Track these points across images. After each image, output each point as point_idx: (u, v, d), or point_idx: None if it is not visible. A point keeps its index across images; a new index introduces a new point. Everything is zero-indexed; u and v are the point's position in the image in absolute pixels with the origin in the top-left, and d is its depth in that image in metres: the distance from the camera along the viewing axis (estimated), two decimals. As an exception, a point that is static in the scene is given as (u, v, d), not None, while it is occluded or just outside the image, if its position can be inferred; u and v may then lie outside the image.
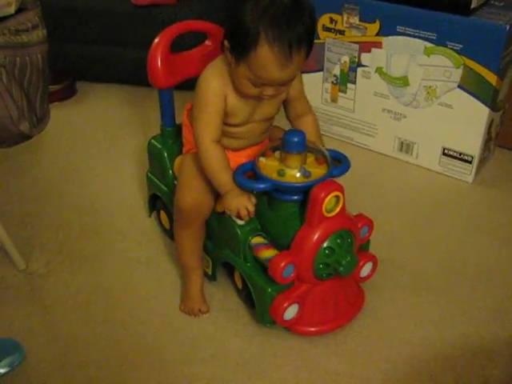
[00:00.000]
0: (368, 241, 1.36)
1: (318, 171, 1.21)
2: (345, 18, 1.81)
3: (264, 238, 1.27)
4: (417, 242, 1.60)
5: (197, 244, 1.36)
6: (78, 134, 2.11)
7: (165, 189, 1.49)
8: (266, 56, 1.09)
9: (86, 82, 2.41)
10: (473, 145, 1.77)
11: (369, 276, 1.36)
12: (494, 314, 1.38)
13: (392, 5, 1.72)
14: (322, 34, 1.88)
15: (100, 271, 1.51)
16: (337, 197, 1.19)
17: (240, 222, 1.27)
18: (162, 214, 1.57)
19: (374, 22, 1.77)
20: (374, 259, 1.35)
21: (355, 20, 1.80)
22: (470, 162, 1.80)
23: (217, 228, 1.35)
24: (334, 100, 1.98)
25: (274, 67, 1.10)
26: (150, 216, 1.64)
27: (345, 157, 1.29)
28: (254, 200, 1.23)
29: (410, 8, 1.70)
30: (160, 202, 1.55)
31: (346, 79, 1.91)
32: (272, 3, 1.08)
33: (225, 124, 1.26)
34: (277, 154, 1.25)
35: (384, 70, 1.82)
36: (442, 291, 1.44)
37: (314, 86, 1.99)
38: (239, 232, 1.27)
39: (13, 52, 1.25)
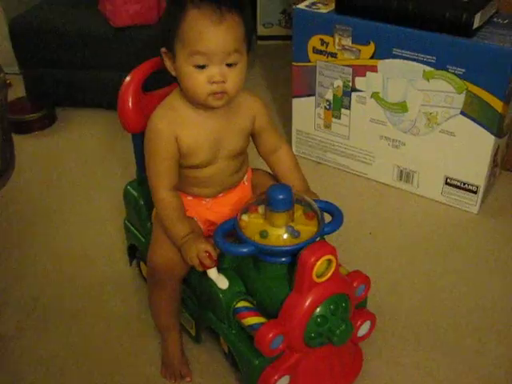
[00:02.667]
0: (365, 298, 1.24)
1: (307, 229, 1.09)
2: (336, 40, 1.68)
3: (249, 301, 1.15)
4: (420, 287, 1.47)
5: (172, 305, 1.24)
6: (55, 168, 1.98)
7: (143, 240, 1.36)
8: (195, 19, 1.01)
9: (67, 108, 2.28)
10: (477, 174, 1.64)
11: (367, 335, 1.23)
12: (509, 374, 1.25)
13: (387, 26, 1.59)
14: (312, 56, 1.75)
15: (76, 330, 1.38)
16: (329, 260, 1.06)
17: (222, 287, 1.14)
18: (142, 264, 1.44)
19: (368, 44, 1.63)
20: (372, 317, 1.22)
21: (348, 42, 1.66)
22: (475, 193, 1.67)
23: (198, 288, 1.23)
24: (327, 126, 1.85)
25: (205, 27, 1.01)
26: (130, 265, 1.52)
27: (337, 209, 1.16)
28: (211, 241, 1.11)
29: (407, 29, 1.57)
30: (139, 252, 1.43)
31: (339, 104, 1.78)
32: None
33: (187, 168, 1.15)
34: (261, 208, 1.12)
35: (380, 95, 1.68)
36: (449, 346, 1.32)
37: (305, 111, 1.86)
38: (221, 296, 1.14)
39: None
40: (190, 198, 1.21)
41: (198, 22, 1.01)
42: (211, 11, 1.00)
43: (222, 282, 1.15)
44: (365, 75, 1.68)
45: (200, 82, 1.05)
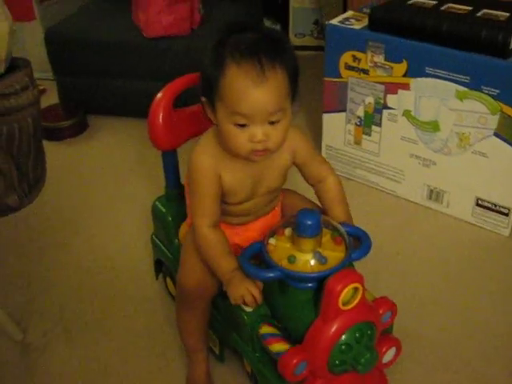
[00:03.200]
0: (392, 324, 1.22)
1: (334, 255, 1.07)
2: (369, 57, 1.67)
3: (274, 325, 1.14)
4: (448, 311, 1.45)
5: (200, 326, 1.23)
6: (85, 176, 2.01)
7: (170, 256, 1.37)
8: (235, 76, 0.95)
9: (98, 116, 2.31)
10: (509, 196, 1.61)
11: (392, 361, 1.21)
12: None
13: (421, 44, 1.57)
14: (344, 72, 1.74)
15: (100, 343, 1.39)
16: (355, 288, 1.05)
17: (248, 309, 1.14)
18: (169, 280, 1.45)
19: (401, 61, 1.61)
20: (397, 344, 1.20)
21: (380, 59, 1.65)
22: (507, 215, 1.63)
23: (223, 309, 1.23)
24: (357, 142, 1.83)
25: (246, 88, 0.95)
26: (156, 279, 1.52)
27: (365, 234, 1.14)
28: (260, 285, 1.09)
29: (441, 48, 1.54)
30: (166, 267, 1.43)
31: (370, 121, 1.76)
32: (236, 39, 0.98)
33: (224, 203, 1.13)
34: (288, 231, 1.11)
35: (412, 113, 1.66)
36: (478, 373, 1.29)
37: (336, 126, 1.85)
38: (246, 319, 1.14)
39: (-1, 121, 1.15)
40: (222, 224, 1.18)
41: (238, 81, 0.95)
42: (252, 68, 0.95)
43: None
44: (397, 93, 1.66)
45: (241, 141, 1.01)
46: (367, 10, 1.71)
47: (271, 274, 1.06)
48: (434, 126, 1.64)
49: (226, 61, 0.96)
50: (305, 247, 1.08)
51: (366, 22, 1.68)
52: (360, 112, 1.77)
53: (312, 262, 1.06)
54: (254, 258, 1.11)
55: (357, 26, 1.69)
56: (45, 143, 2.21)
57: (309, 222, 1.06)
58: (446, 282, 1.54)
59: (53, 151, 2.15)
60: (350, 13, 1.77)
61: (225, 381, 1.30)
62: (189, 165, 1.10)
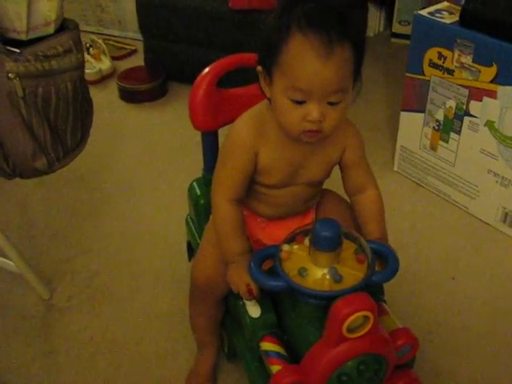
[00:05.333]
0: (413, 358, 1.09)
1: (352, 274, 0.96)
2: (456, 56, 1.49)
3: (278, 337, 1.06)
4: (497, 353, 1.29)
5: (210, 321, 1.18)
6: (150, 143, 2.00)
7: (198, 241, 1.31)
8: (300, 45, 0.86)
9: (180, 84, 2.28)
10: None
11: (408, 399, 1.10)
12: None
13: (516, 48, 1.38)
14: (427, 69, 1.57)
15: (120, 318, 1.38)
16: (365, 316, 0.94)
17: (254, 315, 1.06)
18: (197, 264, 1.40)
19: (491, 65, 1.43)
20: (415, 381, 1.08)
21: (468, 60, 1.47)
22: None
23: (232, 308, 1.16)
24: (433, 148, 1.66)
25: (310, 62, 0.85)
26: (189, 261, 1.47)
27: (393, 255, 1.01)
28: None
29: (539, 55, 1.35)
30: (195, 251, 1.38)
31: (449, 127, 1.59)
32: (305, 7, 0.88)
33: (257, 183, 1.04)
34: (307, 239, 1.01)
35: (496, 125, 1.47)
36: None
37: (412, 127, 1.69)
38: (250, 324, 1.06)
39: (34, 82, 1.13)
40: (245, 212, 1.10)
41: (302, 52, 0.86)
42: (319, 40, 0.85)
43: (254, 310, 1.06)
44: (481, 100, 1.48)
45: (294, 118, 0.91)
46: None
47: (275, 283, 0.97)
48: (518, 143, 1.45)
49: (291, 28, 0.87)
50: (320, 261, 0.97)
51: (458, 15, 1.49)
52: (439, 115, 1.60)
53: (325, 279, 0.96)
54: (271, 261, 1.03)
55: (448, 19, 1.51)
56: (120, 104, 2.22)
57: (326, 235, 0.94)
58: (501, 319, 1.36)
59: (127, 112, 2.17)
60: (444, 4, 1.59)
61: (233, 378, 1.24)
62: (226, 136, 1.02)
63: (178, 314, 1.37)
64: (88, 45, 2.40)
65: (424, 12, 1.55)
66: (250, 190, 1.06)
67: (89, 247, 1.57)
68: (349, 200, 1.13)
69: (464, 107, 1.53)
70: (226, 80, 1.23)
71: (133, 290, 1.45)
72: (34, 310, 1.40)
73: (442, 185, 1.69)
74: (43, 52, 1.15)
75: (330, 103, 0.90)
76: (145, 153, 1.94)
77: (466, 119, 1.54)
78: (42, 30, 1.19)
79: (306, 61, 0.86)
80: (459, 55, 1.48)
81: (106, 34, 2.70)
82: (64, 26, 1.22)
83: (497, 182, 1.53)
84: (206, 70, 1.21)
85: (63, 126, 1.23)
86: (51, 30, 1.20)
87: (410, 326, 1.22)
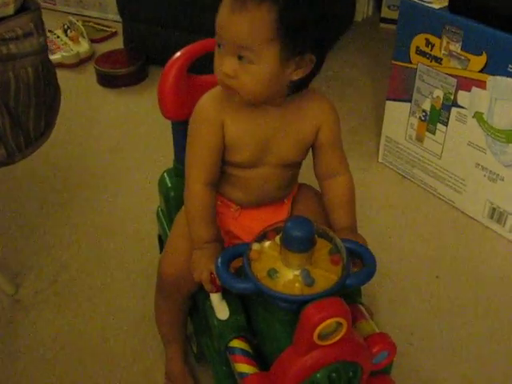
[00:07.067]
0: (390, 363, 1.04)
1: (326, 277, 0.89)
2: (444, 43, 1.42)
3: (249, 340, 0.99)
4: (489, 357, 1.23)
5: (175, 319, 1.13)
6: (128, 129, 1.92)
7: (168, 233, 1.25)
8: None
9: (159, 68, 2.19)
10: None
11: (385, 407, 1.04)
12: None
13: (506, 36, 1.31)
14: (414, 57, 1.50)
15: (86, 316, 1.32)
16: (338, 322, 0.88)
17: (221, 317, 1.00)
18: (168, 260, 1.33)
19: (480, 54, 1.36)
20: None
21: (456, 48, 1.40)
22: None
23: (201, 308, 1.09)
24: (419, 139, 1.60)
25: (225, 7, 0.88)
26: (160, 254, 1.41)
27: (370, 257, 0.95)
28: None
29: (531, 44, 1.28)
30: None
31: (436, 118, 1.52)
32: None
33: (228, 164, 1.00)
34: (278, 238, 0.94)
35: (484, 116, 1.41)
36: None
37: (398, 117, 1.62)
38: (217, 326, 0.99)
39: (-10, 67, 1.05)
40: (219, 202, 1.06)
41: (224, 1, 0.89)
42: None
43: (223, 312, 1.00)
44: (470, 90, 1.41)
45: (217, 61, 0.92)
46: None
47: (242, 286, 0.90)
48: (507, 136, 1.38)
49: None
50: (291, 262, 0.90)
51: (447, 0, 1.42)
52: (426, 105, 1.53)
53: (296, 281, 0.90)
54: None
55: (437, 4, 1.43)
56: (98, 89, 2.13)
57: (297, 235, 0.88)
58: (490, 320, 1.31)
59: (104, 97, 2.09)
60: (434, -12, 1.52)
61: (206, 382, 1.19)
62: (191, 115, 1.00)
63: (148, 311, 1.30)
64: (66, 26, 2.32)
65: (412, -4, 1.48)
66: (222, 173, 1.02)
67: (58, 240, 1.50)
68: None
69: (452, 97, 1.46)
70: (197, 66, 1.17)
71: (102, 284, 1.38)
72: (-3, 306, 1.34)
73: (428, 178, 1.63)
74: (1, 35, 1.07)
75: (240, 57, 0.89)
76: (121, 141, 1.87)
77: (454, 110, 1.47)
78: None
79: (223, 8, 0.89)
80: (448, 43, 1.41)
81: (87, 16, 2.61)
82: (25, 6, 1.15)
83: (484, 176, 1.47)
84: (177, 54, 1.15)
85: (25, 113, 1.15)
86: (10, 10, 1.11)
87: (391, 327, 1.18)
